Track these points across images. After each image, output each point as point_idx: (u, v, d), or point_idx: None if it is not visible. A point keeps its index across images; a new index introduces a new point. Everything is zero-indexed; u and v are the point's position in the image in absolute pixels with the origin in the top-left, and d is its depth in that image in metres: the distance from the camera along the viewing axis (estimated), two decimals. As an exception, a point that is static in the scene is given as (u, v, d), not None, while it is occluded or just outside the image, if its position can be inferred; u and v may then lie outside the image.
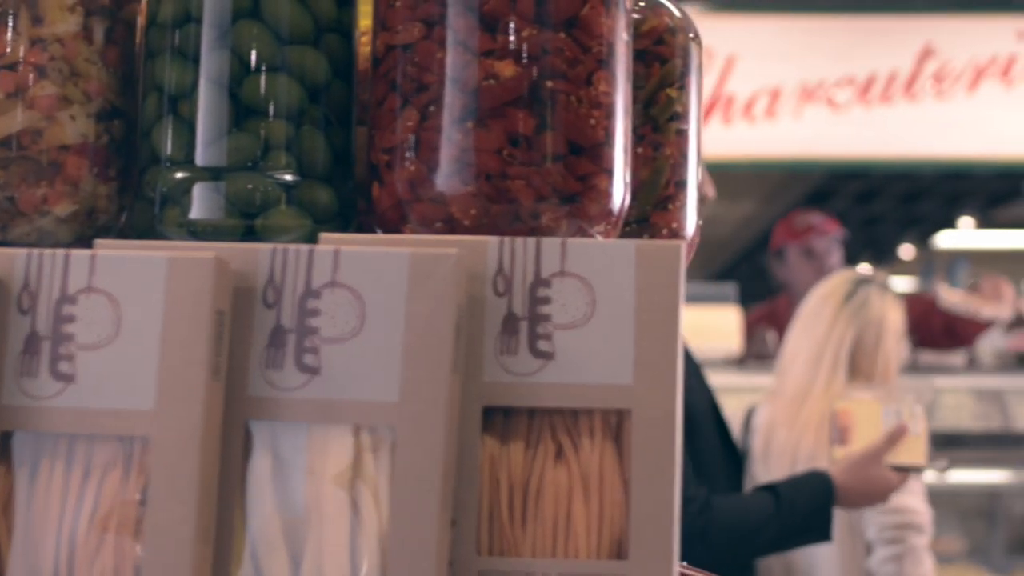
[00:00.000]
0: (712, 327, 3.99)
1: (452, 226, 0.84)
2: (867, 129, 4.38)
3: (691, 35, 1.03)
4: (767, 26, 4.44)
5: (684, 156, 1.01)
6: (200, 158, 0.87)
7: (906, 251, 13.31)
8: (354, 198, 0.91)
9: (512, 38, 0.83)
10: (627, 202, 0.89)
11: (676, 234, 1.00)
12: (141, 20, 0.94)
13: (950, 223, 11.57)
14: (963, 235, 12.08)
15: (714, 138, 4.36)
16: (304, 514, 0.74)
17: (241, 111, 0.87)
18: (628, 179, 0.88)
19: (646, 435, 0.76)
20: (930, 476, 4.83)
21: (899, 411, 2.28)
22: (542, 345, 0.77)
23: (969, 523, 4.97)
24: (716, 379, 4.04)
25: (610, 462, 0.77)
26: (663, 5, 1.02)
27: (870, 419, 2.29)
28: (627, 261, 0.78)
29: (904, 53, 4.41)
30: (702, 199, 2.25)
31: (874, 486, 2.20)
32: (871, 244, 13.91)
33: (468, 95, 0.83)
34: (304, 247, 0.76)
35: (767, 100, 4.39)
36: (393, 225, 0.86)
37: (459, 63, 0.83)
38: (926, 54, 4.40)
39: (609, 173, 0.85)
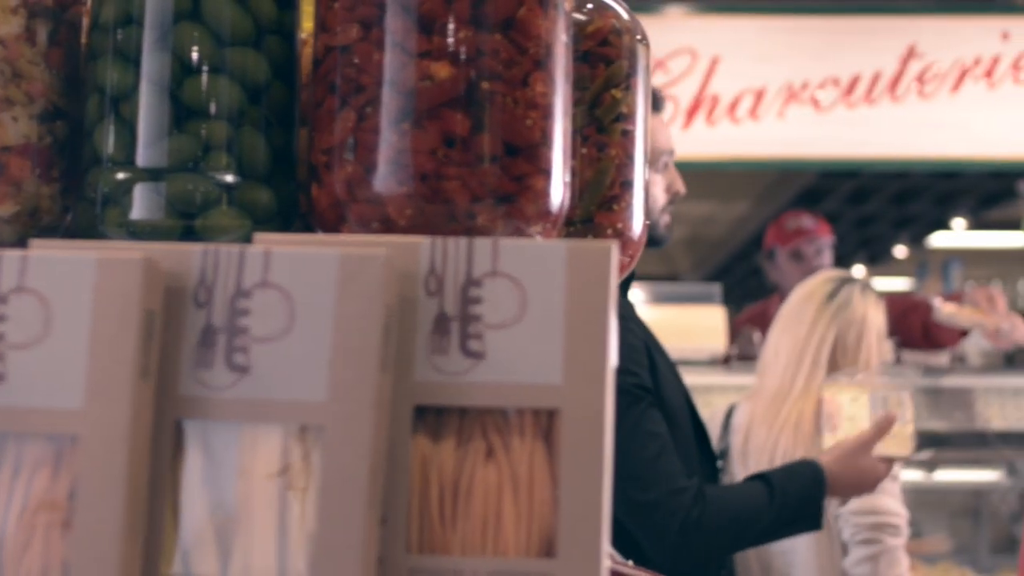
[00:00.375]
0: (697, 327, 4.00)
1: (389, 226, 0.84)
2: (851, 129, 4.38)
3: (638, 37, 1.03)
4: (751, 27, 4.45)
5: (630, 157, 1.01)
6: (141, 159, 0.87)
7: (900, 252, 13.33)
8: (295, 198, 0.91)
9: (448, 39, 0.84)
10: (567, 202, 0.89)
11: (621, 234, 1.00)
12: (86, 22, 0.94)
13: (944, 224, 11.58)
14: (957, 235, 12.10)
15: (698, 138, 4.37)
16: (235, 512, 0.74)
17: (182, 112, 0.87)
18: (568, 179, 0.89)
19: (575, 434, 0.77)
20: (916, 476, 4.85)
21: (886, 399, 2.29)
22: (473, 345, 0.78)
23: (955, 522, 4.99)
24: (702, 379, 4.06)
25: (540, 461, 0.77)
26: (610, 7, 1.03)
27: (857, 407, 2.29)
28: (558, 262, 0.78)
29: (888, 54, 4.41)
30: (674, 195, 2.27)
31: (864, 476, 2.21)
32: (865, 244, 13.92)
33: (404, 96, 0.83)
34: (235, 247, 0.77)
35: (751, 100, 4.39)
36: (332, 225, 0.87)
37: (395, 64, 0.84)
38: (910, 55, 4.40)
39: (546, 173, 0.86)
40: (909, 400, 2.29)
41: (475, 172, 0.83)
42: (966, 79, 4.39)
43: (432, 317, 0.79)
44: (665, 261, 16.58)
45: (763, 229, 4.78)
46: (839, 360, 2.70)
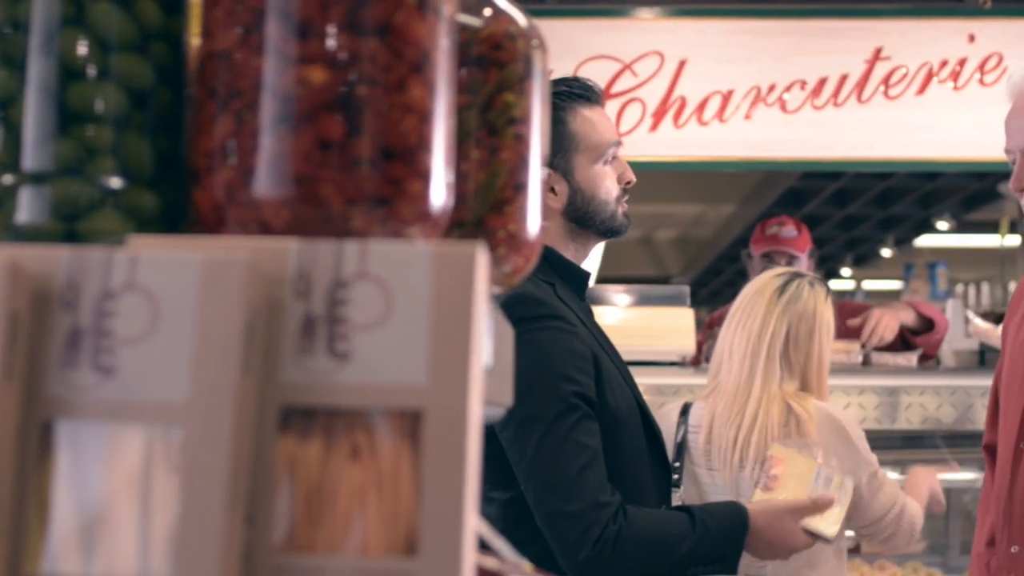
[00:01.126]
0: (667, 328, 4.01)
1: (267, 229, 0.86)
2: (818, 131, 4.39)
3: (534, 42, 1.05)
4: (718, 29, 4.46)
5: (523, 160, 1.02)
6: (26, 163, 0.88)
7: (887, 253, 13.37)
8: (182, 202, 0.92)
9: (324, 44, 0.85)
10: (449, 205, 0.91)
11: (514, 236, 1.01)
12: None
13: (928, 225, 11.62)
14: (943, 237, 12.14)
15: (666, 140, 4.38)
16: (100, 513, 0.75)
17: (67, 117, 0.88)
18: (450, 181, 0.90)
19: (438, 435, 0.78)
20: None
21: (830, 477, 2.30)
22: (339, 346, 0.79)
23: (930, 523, 5.00)
24: (671, 379, 4.06)
25: (405, 462, 0.78)
26: (506, 13, 1.04)
27: (801, 475, 2.30)
28: (423, 264, 0.79)
29: (855, 56, 4.43)
30: (627, 184, 2.28)
31: (784, 538, 2.18)
32: (852, 246, 13.96)
33: (280, 101, 0.85)
34: (102, 251, 0.78)
35: (719, 102, 4.41)
36: (213, 227, 0.88)
37: (272, 69, 0.85)
38: (877, 57, 4.42)
39: (424, 176, 0.87)
40: (850, 488, 2.32)
41: (350, 175, 0.84)
42: (932, 81, 4.40)
43: (300, 319, 0.80)
44: (656, 263, 16.64)
45: (748, 230, 4.81)
46: (791, 354, 2.72)
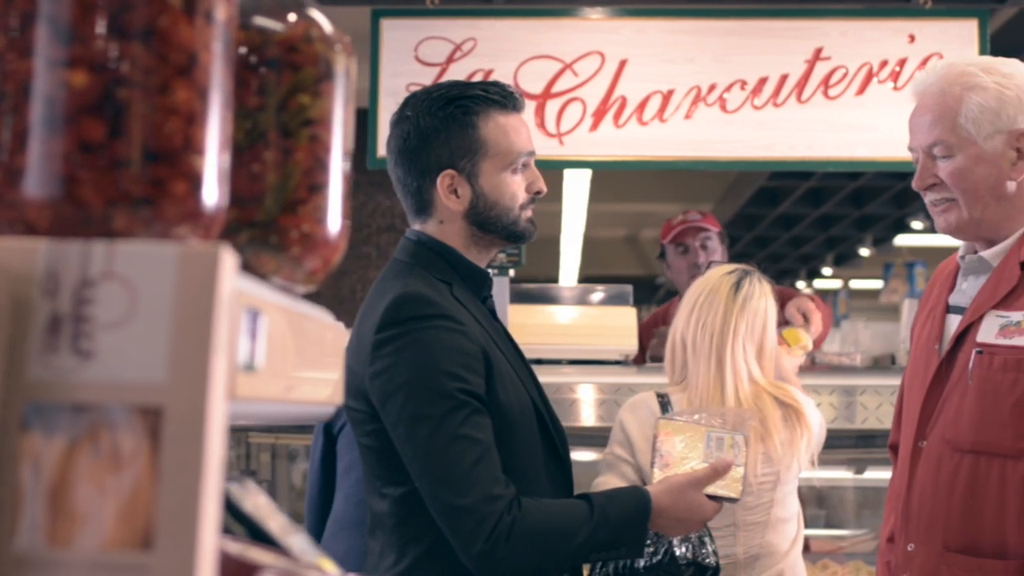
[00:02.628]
0: (609, 327, 4.03)
1: (32, 230, 0.87)
2: (758, 131, 4.41)
3: (336, 46, 1.06)
4: (658, 29, 4.47)
5: (319, 161, 1.04)
6: None
7: (866, 253, 13.39)
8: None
9: (87, 48, 0.86)
10: (224, 205, 0.92)
11: (308, 236, 1.03)
12: None
13: (904, 224, 11.65)
14: (922, 236, 12.16)
15: (606, 140, 4.40)
16: None
17: None
18: (225, 182, 0.92)
19: (177, 432, 0.80)
20: (846, 475, 4.87)
21: (721, 439, 2.31)
22: (84, 344, 0.81)
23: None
24: (615, 378, 4.08)
25: (145, 458, 0.80)
26: (308, 18, 1.06)
27: (692, 443, 2.31)
28: (167, 264, 0.81)
29: (795, 56, 4.44)
30: (536, 193, 2.29)
31: (692, 512, 2.20)
32: (831, 246, 13.99)
33: (44, 103, 0.86)
34: None
35: (659, 102, 4.42)
36: (-14, 229, 0.90)
37: (36, 72, 0.86)
38: (817, 57, 4.43)
39: (189, 177, 0.88)
40: (744, 444, 2.33)
41: (110, 177, 0.86)
42: (872, 81, 4.42)
43: (46, 317, 0.81)
44: (643, 262, 16.66)
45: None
46: (747, 348, 2.79)
